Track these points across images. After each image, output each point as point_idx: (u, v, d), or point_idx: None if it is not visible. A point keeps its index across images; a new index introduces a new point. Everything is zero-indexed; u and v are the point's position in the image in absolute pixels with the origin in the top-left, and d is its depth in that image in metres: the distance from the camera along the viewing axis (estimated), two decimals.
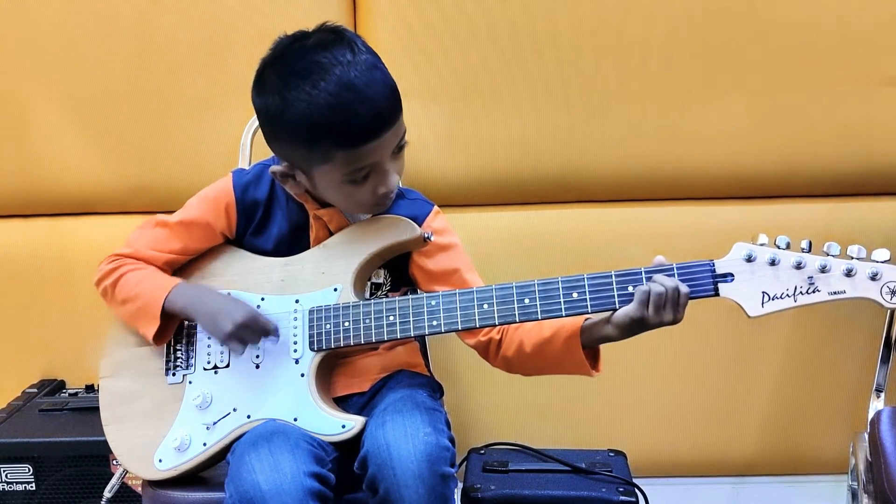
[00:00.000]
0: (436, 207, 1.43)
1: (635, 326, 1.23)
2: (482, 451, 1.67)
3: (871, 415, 1.63)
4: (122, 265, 1.40)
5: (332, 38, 1.25)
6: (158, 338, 1.36)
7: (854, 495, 1.70)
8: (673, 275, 1.21)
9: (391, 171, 1.28)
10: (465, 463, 1.62)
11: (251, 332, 1.32)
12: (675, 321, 1.21)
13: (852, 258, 1.17)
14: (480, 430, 1.94)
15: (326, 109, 1.20)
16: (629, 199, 1.91)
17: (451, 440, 1.25)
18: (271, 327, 1.32)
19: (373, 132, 1.22)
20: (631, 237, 1.89)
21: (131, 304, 1.38)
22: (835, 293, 1.16)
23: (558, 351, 1.31)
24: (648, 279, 1.22)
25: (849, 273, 1.16)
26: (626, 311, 1.22)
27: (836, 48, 1.79)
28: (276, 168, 1.32)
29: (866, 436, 1.62)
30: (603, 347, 1.31)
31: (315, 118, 1.21)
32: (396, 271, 1.41)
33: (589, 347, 1.30)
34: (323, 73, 1.20)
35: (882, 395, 1.69)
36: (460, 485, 1.55)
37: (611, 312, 1.24)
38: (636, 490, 1.52)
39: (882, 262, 1.16)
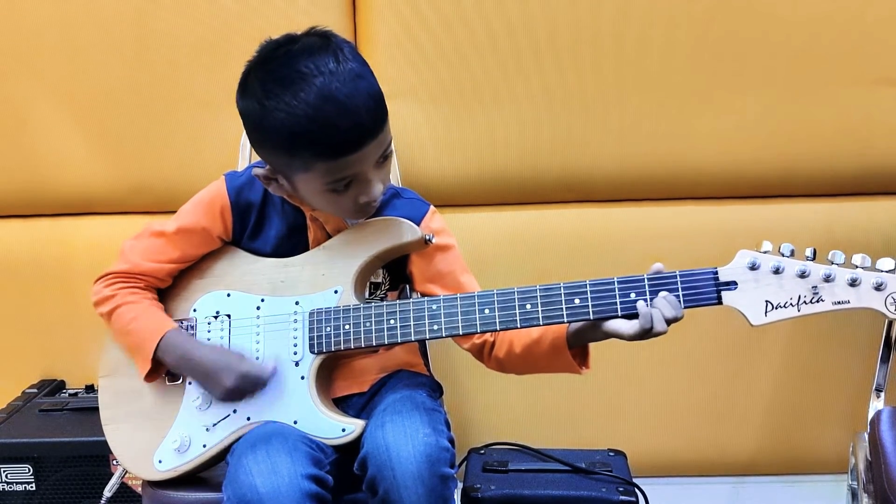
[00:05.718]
0: (432, 207, 1.42)
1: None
2: (482, 451, 1.67)
3: (871, 415, 1.63)
4: (116, 295, 1.38)
5: (318, 45, 1.22)
6: (150, 376, 1.36)
7: (854, 495, 1.70)
8: (676, 283, 1.20)
9: (374, 180, 1.26)
10: (465, 463, 1.63)
11: (242, 392, 1.31)
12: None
13: (857, 267, 1.15)
14: (480, 430, 1.94)
15: (305, 120, 1.18)
16: (629, 199, 1.91)
17: (451, 441, 1.25)
18: (265, 376, 1.31)
19: (353, 144, 1.20)
20: (631, 237, 1.89)
21: (124, 338, 1.38)
22: (839, 303, 1.15)
23: (546, 351, 1.31)
24: (653, 293, 1.20)
25: (853, 283, 1.14)
26: (617, 329, 1.22)
27: (836, 48, 1.78)
28: (258, 170, 1.31)
29: (866, 436, 1.62)
30: (601, 347, 1.31)
31: (294, 128, 1.19)
32: (395, 270, 1.41)
33: (577, 346, 1.30)
34: (304, 82, 1.18)
35: (882, 394, 1.69)
36: (460, 485, 1.55)
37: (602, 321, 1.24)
38: (636, 490, 1.52)
39: (887, 272, 1.14)
